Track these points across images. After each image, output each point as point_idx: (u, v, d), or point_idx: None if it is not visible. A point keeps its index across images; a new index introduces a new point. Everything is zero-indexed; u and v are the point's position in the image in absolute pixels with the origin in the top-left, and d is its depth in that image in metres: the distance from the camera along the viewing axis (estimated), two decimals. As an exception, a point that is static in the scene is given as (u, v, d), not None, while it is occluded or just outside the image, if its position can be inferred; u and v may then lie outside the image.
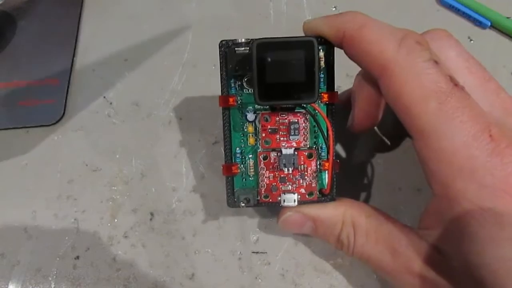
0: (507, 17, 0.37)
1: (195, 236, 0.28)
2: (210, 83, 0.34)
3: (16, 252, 0.28)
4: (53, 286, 0.27)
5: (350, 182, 0.30)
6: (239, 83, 0.25)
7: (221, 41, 0.24)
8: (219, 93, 0.25)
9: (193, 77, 0.35)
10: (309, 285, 0.27)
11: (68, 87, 0.34)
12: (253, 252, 0.28)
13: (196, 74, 0.35)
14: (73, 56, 0.36)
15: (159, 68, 0.35)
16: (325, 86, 0.25)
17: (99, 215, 0.29)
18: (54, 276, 0.27)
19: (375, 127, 0.31)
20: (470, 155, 0.19)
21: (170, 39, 0.37)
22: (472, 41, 0.37)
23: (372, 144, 0.32)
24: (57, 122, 0.33)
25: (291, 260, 0.28)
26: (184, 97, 0.34)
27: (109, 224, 0.29)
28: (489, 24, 0.37)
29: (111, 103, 0.34)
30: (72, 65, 0.36)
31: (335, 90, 0.24)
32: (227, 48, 0.24)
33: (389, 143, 0.31)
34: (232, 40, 0.24)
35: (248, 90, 0.24)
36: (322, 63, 0.25)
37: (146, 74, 0.35)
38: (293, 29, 0.38)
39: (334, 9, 0.39)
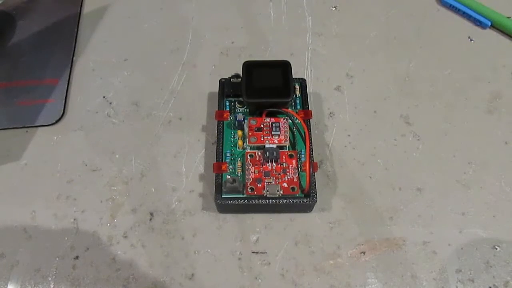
0: (507, 17, 0.37)
1: (195, 236, 0.28)
2: (210, 83, 0.34)
3: (15, 252, 0.28)
4: (52, 286, 0.27)
5: (350, 182, 0.30)
6: (233, 104, 0.31)
7: (220, 79, 0.32)
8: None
9: (193, 77, 0.35)
10: (309, 285, 0.27)
11: (68, 87, 0.34)
12: (253, 252, 0.28)
13: (196, 74, 0.35)
14: (73, 56, 0.36)
15: (159, 68, 0.35)
16: (301, 107, 0.31)
17: (98, 215, 0.29)
18: (54, 276, 0.27)
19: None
20: None
21: (170, 39, 0.37)
22: (472, 41, 0.37)
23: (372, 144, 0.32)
24: (56, 122, 0.33)
25: (291, 260, 0.28)
26: (184, 97, 0.34)
27: (108, 224, 0.29)
28: (489, 24, 0.37)
29: (111, 103, 0.34)
30: (72, 65, 0.36)
31: (309, 109, 0.31)
32: (224, 79, 0.32)
33: None
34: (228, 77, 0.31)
35: (239, 109, 0.31)
36: (298, 92, 0.32)
37: (146, 74, 0.35)
38: (293, 29, 0.38)
39: (334, 9, 0.39)
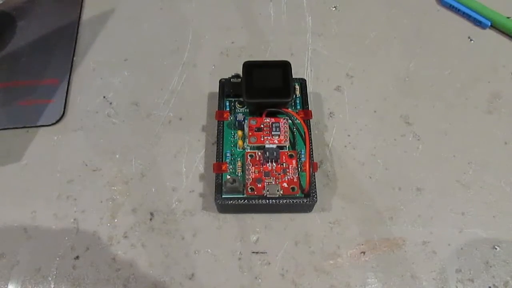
0: (507, 17, 0.37)
1: (195, 236, 0.28)
2: (210, 83, 0.34)
3: (15, 252, 0.28)
4: (52, 286, 0.27)
5: (350, 182, 0.30)
6: (233, 104, 0.31)
7: (221, 79, 0.32)
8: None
9: (193, 77, 0.35)
10: (309, 285, 0.27)
11: (68, 87, 0.34)
12: (253, 252, 0.28)
13: (196, 74, 0.35)
14: (73, 56, 0.36)
15: (159, 68, 0.35)
16: (301, 107, 0.31)
17: (98, 215, 0.29)
18: (54, 276, 0.27)
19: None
20: None
21: (170, 39, 0.37)
22: (472, 41, 0.37)
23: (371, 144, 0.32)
24: (57, 122, 0.33)
25: (291, 260, 0.28)
26: (184, 97, 0.34)
27: (108, 224, 0.29)
28: (489, 24, 0.37)
29: (111, 103, 0.34)
30: (72, 65, 0.36)
31: (309, 109, 0.31)
32: (224, 79, 0.31)
33: None
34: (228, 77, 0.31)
35: (239, 109, 0.31)
36: (298, 92, 0.32)
37: (146, 74, 0.35)
38: (293, 29, 0.38)
39: (334, 9, 0.39)
